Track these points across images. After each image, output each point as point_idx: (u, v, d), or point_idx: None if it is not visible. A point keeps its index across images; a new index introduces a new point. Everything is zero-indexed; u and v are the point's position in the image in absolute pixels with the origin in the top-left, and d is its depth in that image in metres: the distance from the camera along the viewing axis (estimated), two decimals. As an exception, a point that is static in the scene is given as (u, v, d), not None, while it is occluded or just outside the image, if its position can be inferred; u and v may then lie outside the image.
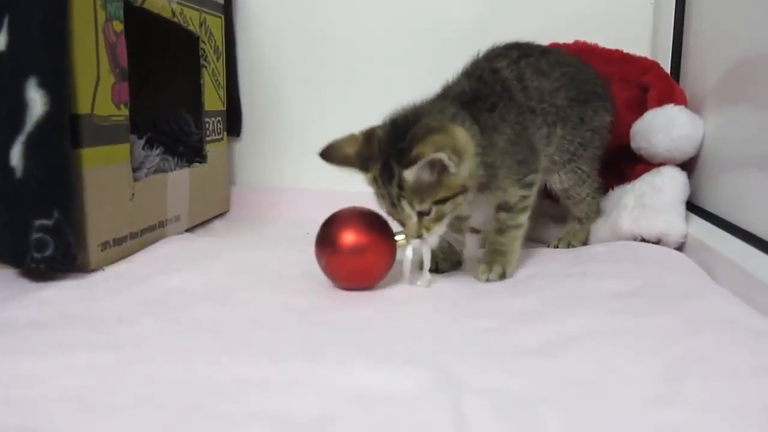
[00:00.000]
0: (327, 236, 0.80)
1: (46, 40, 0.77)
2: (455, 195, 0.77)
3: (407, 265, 0.82)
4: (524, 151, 0.87)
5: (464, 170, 0.76)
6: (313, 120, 1.37)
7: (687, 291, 0.74)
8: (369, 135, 0.79)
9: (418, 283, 0.83)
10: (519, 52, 0.94)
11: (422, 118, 0.77)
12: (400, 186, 0.76)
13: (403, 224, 0.80)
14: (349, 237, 0.78)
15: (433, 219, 0.78)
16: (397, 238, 0.81)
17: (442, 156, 0.72)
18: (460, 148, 0.74)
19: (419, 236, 0.79)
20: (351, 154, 0.78)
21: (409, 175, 0.74)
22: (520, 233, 0.89)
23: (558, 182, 0.99)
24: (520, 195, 0.87)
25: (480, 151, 0.80)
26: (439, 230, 0.79)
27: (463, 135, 0.76)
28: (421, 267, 0.83)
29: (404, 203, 0.76)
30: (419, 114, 0.79)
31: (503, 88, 0.88)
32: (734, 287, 0.74)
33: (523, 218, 0.88)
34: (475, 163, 0.78)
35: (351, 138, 0.79)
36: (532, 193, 0.88)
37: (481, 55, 0.95)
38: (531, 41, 0.98)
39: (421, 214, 0.77)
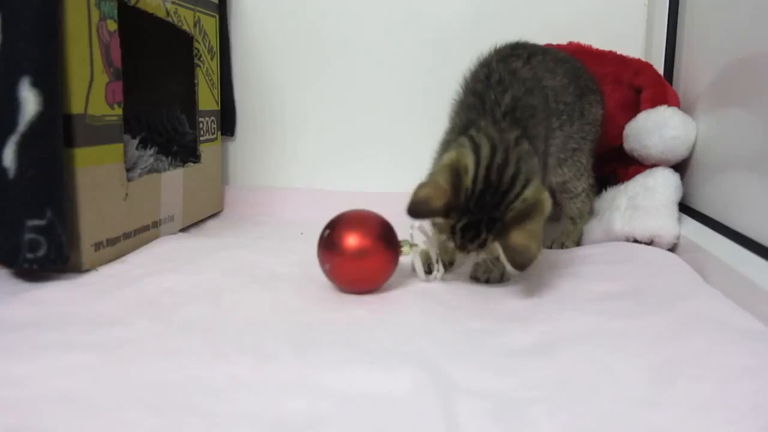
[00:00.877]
0: (330, 239, 0.78)
1: (39, 40, 0.76)
2: None
3: (418, 265, 0.82)
4: (540, 163, 0.84)
5: None
6: (308, 120, 1.37)
7: (679, 292, 0.74)
8: (455, 184, 0.73)
9: (434, 275, 0.84)
10: (527, 51, 0.91)
11: (518, 176, 0.73)
12: (482, 246, 0.74)
13: (445, 248, 0.81)
14: (352, 240, 0.77)
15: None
16: (403, 250, 0.81)
17: (537, 255, 0.71)
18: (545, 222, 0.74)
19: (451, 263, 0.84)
20: (439, 207, 0.73)
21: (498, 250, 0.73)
22: None
23: (559, 175, 0.99)
24: None
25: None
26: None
27: (549, 203, 0.75)
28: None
29: (473, 254, 0.75)
30: (516, 172, 0.74)
31: (527, 90, 0.84)
32: (726, 288, 0.74)
33: None
34: None
35: (437, 190, 0.73)
36: None
37: (487, 56, 0.91)
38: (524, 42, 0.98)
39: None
